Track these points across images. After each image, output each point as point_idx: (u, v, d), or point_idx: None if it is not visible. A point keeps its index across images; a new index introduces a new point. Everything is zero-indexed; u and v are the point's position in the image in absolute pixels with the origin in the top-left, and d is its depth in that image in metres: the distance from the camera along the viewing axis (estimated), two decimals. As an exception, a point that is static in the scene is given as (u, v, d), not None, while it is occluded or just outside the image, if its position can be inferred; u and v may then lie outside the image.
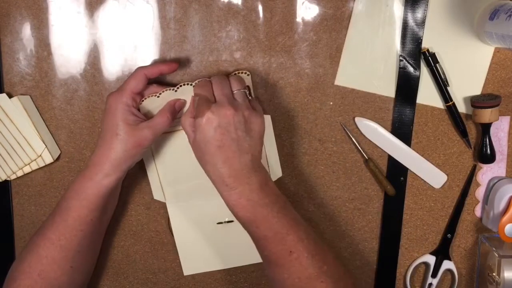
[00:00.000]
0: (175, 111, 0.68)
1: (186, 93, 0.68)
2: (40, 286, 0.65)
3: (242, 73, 0.70)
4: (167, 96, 0.68)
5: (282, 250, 0.62)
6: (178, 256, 0.77)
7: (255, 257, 0.75)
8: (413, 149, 0.74)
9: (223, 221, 0.75)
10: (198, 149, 0.63)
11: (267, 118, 0.72)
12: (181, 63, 0.72)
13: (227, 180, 0.62)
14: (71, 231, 0.66)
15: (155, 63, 0.70)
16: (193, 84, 0.68)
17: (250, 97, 0.67)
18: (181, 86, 0.68)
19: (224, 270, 0.78)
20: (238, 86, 0.66)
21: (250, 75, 0.71)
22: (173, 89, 0.68)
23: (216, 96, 0.64)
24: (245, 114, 0.63)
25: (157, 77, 0.69)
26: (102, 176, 0.65)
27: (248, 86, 0.69)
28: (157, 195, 0.75)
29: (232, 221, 0.75)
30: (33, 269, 0.65)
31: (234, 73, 0.71)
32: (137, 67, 0.68)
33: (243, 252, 0.76)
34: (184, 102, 0.69)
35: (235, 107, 0.62)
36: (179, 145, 0.72)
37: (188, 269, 0.77)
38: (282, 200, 0.65)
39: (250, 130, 0.63)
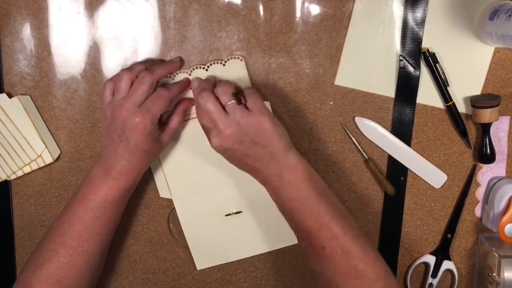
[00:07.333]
0: (185, 111, 0.70)
1: (215, 71, 0.71)
2: None
3: (235, 58, 0.71)
4: (198, 73, 0.72)
5: (316, 244, 0.64)
6: (178, 256, 0.78)
7: (266, 247, 0.76)
8: (413, 149, 0.74)
9: (231, 212, 0.75)
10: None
11: (267, 105, 0.73)
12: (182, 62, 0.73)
13: (262, 180, 0.66)
14: (96, 237, 0.67)
15: (165, 65, 0.69)
16: (189, 72, 0.72)
17: (243, 102, 0.64)
18: (211, 64, 0.72)
19: (224, 270, 0.78)
20: (226, 98, 0.64)
21: (243, 60, 0.71)
22: (203, 68, 0.72)
23: (212, 119, 0.64)
24: (244, 124, 0.63)
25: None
26: (131, 185, 0.67)
27: (236, 87, 0.66)
28: (163, 193, 0.75)
29: (240, 212, 0.75)
30: (53, 275, 0.65)
31: (227, 58, 0.71)
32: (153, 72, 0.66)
33: (254, 242, 0.76)
34: (192, 100, 0.70)
35: (232, 125, 0.63)
36: (181, 138, 0.73)
37: (201, 263, 0.77)
38: (322, 187, 0.66)
39: (256, 133, 0.63)
